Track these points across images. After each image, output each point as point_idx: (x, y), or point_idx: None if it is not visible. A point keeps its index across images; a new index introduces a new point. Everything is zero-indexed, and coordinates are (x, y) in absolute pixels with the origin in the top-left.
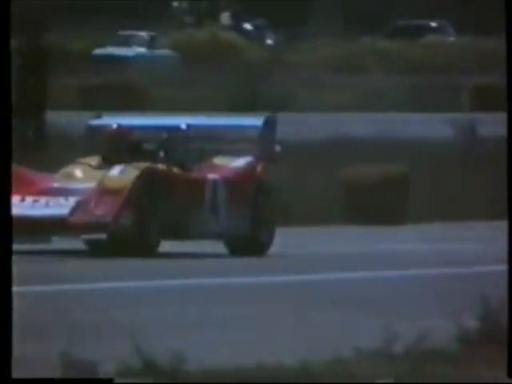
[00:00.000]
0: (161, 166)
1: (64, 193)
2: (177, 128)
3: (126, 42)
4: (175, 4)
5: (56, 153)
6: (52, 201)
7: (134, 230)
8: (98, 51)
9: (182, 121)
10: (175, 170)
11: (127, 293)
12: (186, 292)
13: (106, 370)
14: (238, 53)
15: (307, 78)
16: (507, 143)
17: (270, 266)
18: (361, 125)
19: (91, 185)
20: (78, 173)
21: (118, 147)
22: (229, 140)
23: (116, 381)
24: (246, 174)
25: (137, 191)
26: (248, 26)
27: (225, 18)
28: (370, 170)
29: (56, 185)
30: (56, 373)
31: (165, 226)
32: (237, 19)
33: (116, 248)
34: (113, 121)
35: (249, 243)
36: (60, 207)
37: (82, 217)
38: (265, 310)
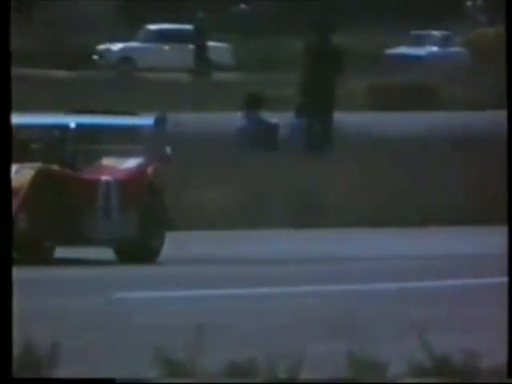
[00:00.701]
0: (55, 167)
1: None
2: (66, 127)
3: (419, 41)
4: (468, 3)
5: (342, 154)
6: None
7: (30, 234)
8: (390, 51)
9: (71, 120)
10: (67, 171)
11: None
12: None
13: (395, 369)
14: None
15: None
16: (507, 143)
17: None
18: None
19: None
20: None
21: None
22: (120, 140)
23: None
24: (137, 175)
25: (33, 192)
26: None
27: None
28: None
29: None
30: (344, 373)
31: (59, 230)
32: None
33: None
34: None
35: (140, 249)
36: None
37: None
38: None
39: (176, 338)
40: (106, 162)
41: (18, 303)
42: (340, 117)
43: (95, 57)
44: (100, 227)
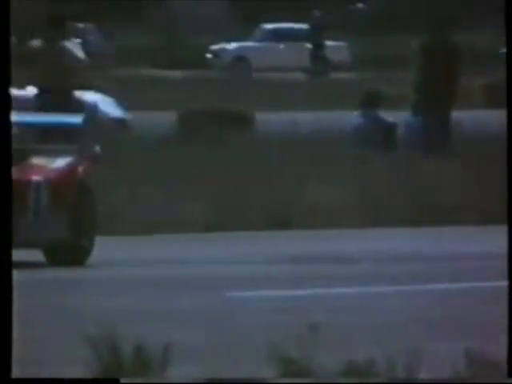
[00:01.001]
0: None
1: None
2: None
3: None
4: None
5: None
6: None
7: None
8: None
9: None
10: None
11: None
12: None
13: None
14: None
15: None
16: (507, 143)
17: None
18: None
19: None
20: None
21: None
22: (49, 138)
23: None
24: (68, 175)
25: None
26: None
27: None
28: None
29: None
30: (462, 372)
31: None
32: None
33: None
34: None
35: (71, 250)
36: None
37: None
38: None
39: (290, 337)
40: (36, 161)
41: (125, 303)
42: (457, 115)
43: (210, 56)
44: (30, 228)
